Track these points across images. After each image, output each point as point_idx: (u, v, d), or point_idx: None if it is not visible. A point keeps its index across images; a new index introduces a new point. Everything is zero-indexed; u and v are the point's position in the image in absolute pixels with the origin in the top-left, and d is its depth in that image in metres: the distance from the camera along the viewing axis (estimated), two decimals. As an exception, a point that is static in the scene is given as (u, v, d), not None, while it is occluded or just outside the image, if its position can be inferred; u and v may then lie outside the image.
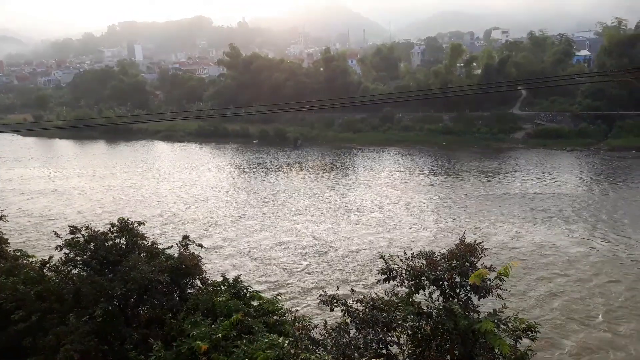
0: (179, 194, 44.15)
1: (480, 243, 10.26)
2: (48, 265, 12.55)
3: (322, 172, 52.67)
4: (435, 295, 9.79)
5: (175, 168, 56.83)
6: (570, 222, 33.35)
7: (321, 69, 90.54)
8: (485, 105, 68.19)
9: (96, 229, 12.75)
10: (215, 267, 24.55)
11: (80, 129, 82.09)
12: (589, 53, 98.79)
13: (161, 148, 73.32)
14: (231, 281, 11.98)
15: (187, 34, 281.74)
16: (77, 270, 12.12)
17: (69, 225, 12.74)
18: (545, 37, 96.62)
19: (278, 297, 11.75)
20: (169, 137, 78.25)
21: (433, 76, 77.17)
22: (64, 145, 78.26)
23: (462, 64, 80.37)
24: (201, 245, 13.55)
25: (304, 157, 61.24)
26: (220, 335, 9.03)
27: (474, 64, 79.37)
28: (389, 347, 9.48)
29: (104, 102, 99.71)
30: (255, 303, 11.18)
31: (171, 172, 54.66)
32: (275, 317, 10.48)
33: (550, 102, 68.69)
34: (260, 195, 42.71)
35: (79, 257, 12.14)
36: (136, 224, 13.07)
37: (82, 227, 12.64)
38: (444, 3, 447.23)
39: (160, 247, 13.11)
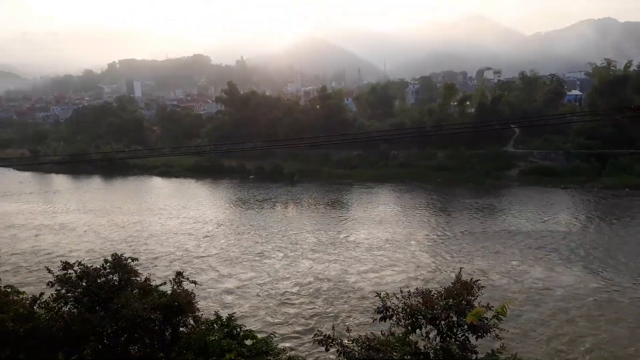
0: (189, 230, 43.82)
1: (477, 281, 10.18)
2: (39, 302, 12.32)
3: (327, 209, 52.58)
4: (432, 335, 9.63)
5: (178, 204, 56.38)
6: (567, 260, 33.24)
7: (317, 106, 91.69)
8: (479, 143, 68.78)
9: (89, 265, 12.61)
10: (235, 307, 24.17)
11: (77, 164, 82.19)
12: (580, 93, 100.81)
13: (159, 184, 73.22)
14: (224, 319, 11.77)
15: (186, 71, 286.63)
16: (68, 307, 11.92)
17: (61, 261, 12.59)
18: (536, 77, 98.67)
19: (272, 336, 11.53)
20: (166, 172, 78.26)
21: (427, 114, 78.24)
22: (62, 180, 78.09)
23: (455, 103, 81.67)
24: (195, 282, 13.38)
25: (304, 193, 61.14)
26: (212, 375, 8.81)
27: (468, 103, 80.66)
28: (386, 388, 9.24)
29: (102, 137, 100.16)
30: (248, 342, 10.96)
31: (176, 207, 54.25)
32: (269, 357, 10.26)
33: (543, 140, 69.51)
34: (268, 232, 42.48)
35: (70, 294, 11.95)
36: (130, 260, 12.93)
37: (74, 263, 12.49)
38: (436, 44, 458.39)
39: (154, 283, 12.93)
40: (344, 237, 40.45)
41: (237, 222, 47.14)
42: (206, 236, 41.63)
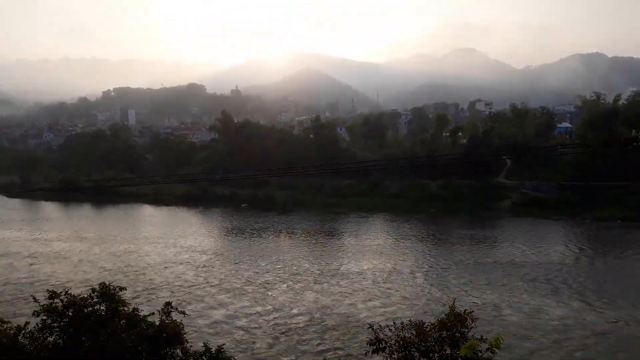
0: (186, 259, 43.13)
1: (470, 312, 10.09)
2: (23, 332, 12.01)
3: (325, 238, 51.89)
4: (425, 368, 9.45)
5: (174, 232, 55.58)
6: (560, 292, 33.06)
7: (311, 135, 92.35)
8: (471, 173, 69.19)
9: (77, 294, 12.36)
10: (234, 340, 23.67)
11: (67, 191, 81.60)
12: (570, 125, 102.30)
13: (152, 212, 72.44)
14: (213, 351, 11.51)
15: (181, 100, 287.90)
16: (54, 337, 11.62)
17: (47, 290, 12.36)
18: (526, 110, 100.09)
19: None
20: (157, 200, 77.73)
21: (420, 145, 78.91)
22: (52, 208, 77.26)
23: (447, 134, 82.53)
24: (183, 312, 13.14)
25: (299, 223, 60.47)
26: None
27: (460, 134, 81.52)
28: None
29: (94, 164, 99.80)
30: (238, 375, 10.69)
31: (172, 236, 53.38)
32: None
33: (534, 171, 70.04)
34: (268, 262, 41.81)
35: (55, 324, 11.67)
36: (118, 289, 12.70)
37: (61, 292, 12.25)
38: (428, 76, 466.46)
39: (142, 313, 12.67)
40: (343, 267, 39.78)
41: (235, 252, 46.48)
42: (205, 266, 41.01)
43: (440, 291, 33.45)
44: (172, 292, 33.97)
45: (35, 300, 12.17)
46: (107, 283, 12.87)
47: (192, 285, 35.64)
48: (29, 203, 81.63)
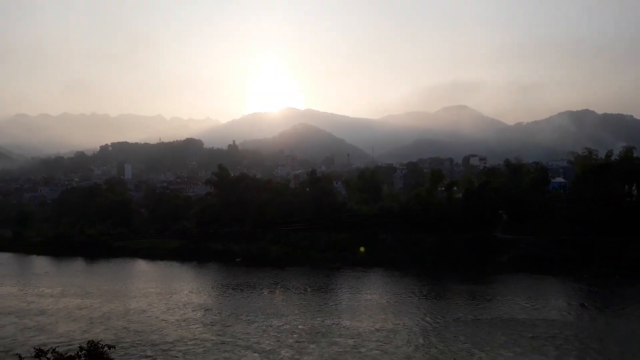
0: (200, 317, 42.39)
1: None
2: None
3: (331, 295, 51.13)
4: None
5: (180, 288, 54.66)
6: (561, 350, 32.23)
7: (307, 189, 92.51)
8: (466, 228, 68.87)
9: (64, 352, 11.89)
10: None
11: (59, 246, 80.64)
12: (564, 180, 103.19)
13: (146, 267, 70.95)
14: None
15: (178, 155, 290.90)
16: (36, 399, 11.07)
17: (34, 348, 11.90)
18: (520, 165, 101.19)
19: None
20: (150, 255, 76.49)
21: (415, 199, 79.03)
22: (45, 262, 75.88)
23: (443, 188, 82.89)
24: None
25: (299, 278, 59.49)
26: None
27: (455, 188, 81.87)
28: None
29: (88, 219, 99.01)
30: None
31: (183, 292, 52.49)
32: None
33: (531, 226, 69.73)
34: (285, 320, 40.73)
35: (40, 385, 11.14)
36: (106, 348, 12.25)
37: (48, 350, 11.79)
38: (422, 132, 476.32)
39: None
40: (371, 327, 38.40)
41: (247, 309, 45.25)
42: (223, 324, 40.14)
43: (439, 349, 32.51)
44: (201, 353, 32.87)
45: (20, 358, 11.70)
46: (96, 341, 12.44)
47: (219, 347, 34.34)
48: (21, 257, 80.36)
